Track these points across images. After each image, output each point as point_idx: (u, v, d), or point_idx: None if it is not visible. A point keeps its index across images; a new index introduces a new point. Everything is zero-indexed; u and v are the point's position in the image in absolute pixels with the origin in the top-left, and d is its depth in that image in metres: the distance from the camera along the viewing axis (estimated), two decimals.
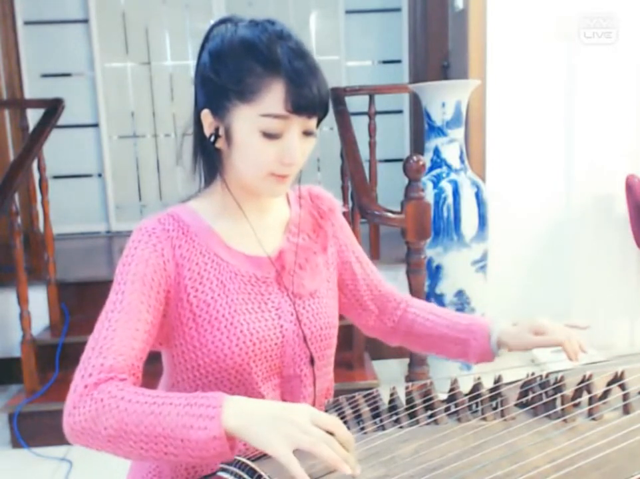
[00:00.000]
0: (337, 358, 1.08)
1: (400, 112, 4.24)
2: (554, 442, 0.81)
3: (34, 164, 2.86)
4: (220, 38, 0.91)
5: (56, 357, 2.63)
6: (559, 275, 3.14)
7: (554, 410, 0.88)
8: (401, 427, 0.86)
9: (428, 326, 1.12)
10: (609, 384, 0.93)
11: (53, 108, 2.94)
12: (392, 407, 0.91)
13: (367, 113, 3.12)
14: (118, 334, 0.84)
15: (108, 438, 0.77)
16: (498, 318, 1.09)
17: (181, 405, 0.75)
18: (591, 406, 0.88)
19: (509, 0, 3.00)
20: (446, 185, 2.70)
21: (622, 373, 0.93)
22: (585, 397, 0.90)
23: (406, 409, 0.90)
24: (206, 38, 0.94)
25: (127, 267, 0.89)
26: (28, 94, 4.04)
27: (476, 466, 0.74)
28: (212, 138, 0.93)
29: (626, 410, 0.90)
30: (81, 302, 2.89)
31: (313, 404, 1.00)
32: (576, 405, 0.89)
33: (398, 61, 4.20)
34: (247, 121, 0.88)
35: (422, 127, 2.94)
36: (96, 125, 4.19)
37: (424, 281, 2.24)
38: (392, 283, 1.19)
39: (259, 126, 0.88)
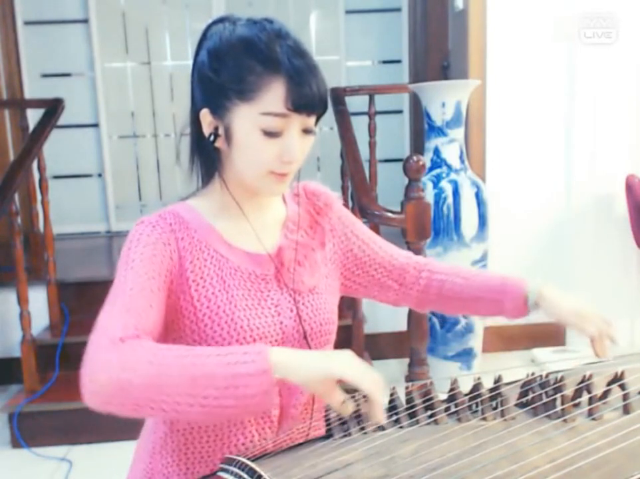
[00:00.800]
0: None
1: (400, 112, 4.24)
2: (554, 442, 0.81)
3: (34, 164, 2.86)
4: (218, 36, 0.91)
5: (56, 357, 2.63)
6: (559, 275, 3.13)
7: (554, 410, 0.88)
8: (401, 427, 0.86)
9: (458, 290, 1.12)
10: (609, 384, 0.93)
11: (53, 108, 2.94)
12: (392, 407, 0.91)
13: (367, 113, 3.12)
14: (133, 301, 0.82)
15: (143, 387, 0.71)
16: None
17: (224, 349, 0.76)
18: (591, 406, 0.89)
19: (509, 1, 3.00)
20: (446, 185, 2.70)
21: (622, 373, 0.93)
22: (585, 397, 0.90)
23: (406, 409, 0.90)
24: (203, 37, 0.94)
25: (133, 249, 0.88)
26: (28, 94, 4.03)
27: (476, 466, 0.74)
28: (211, 138, 0.93)
29: (626, 410, 0.90)
30: (81, 302, 2.89)
31: (312, 401, 1.00)
32: (576, 405, 0.89)
33: (398, 61, 4.20)
34: (247, 120, 0.89)
35: (422, 127, 2.94)
36: (96, 125, 4.18)
37: None
38: None
39: (259, 125, 0.88)
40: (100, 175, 4.25)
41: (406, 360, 2.34)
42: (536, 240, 3.16)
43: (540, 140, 3.09)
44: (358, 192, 2.43)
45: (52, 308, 2.87)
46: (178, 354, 0.74)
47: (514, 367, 2.83)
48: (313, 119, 0.91)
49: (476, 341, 2.84)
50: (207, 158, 0.98)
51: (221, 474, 0.74)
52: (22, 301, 2.53)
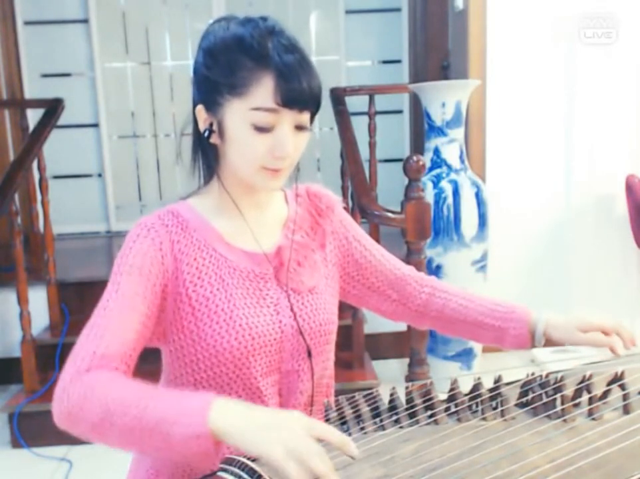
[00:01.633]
0: (337, 358, 1.08)
1: (400, 112, 4.24)
2: (554, 442, 0.81)
3: (34, 164, 2.86)
4: (213, 35, 0.93)
5: (56, 357, 2.63)
6: (559, 275, 3.14)
7: (554, 410, 0.88)
8: (401, 427, 0.86)
9: (461, 312, 1.11)
10: (609, 384, 0.93)
11: (53, 108, 2.94)
12: (392, 407, 0.91)
13: (367, 113, 3.12)
14: (112, 324, 0.85)
15: (93, 425, 0.76)
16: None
17: (169, 401, 0.75)
18: (591, 406, 0.89)
19: (509, 1, 3.00)
20: (446, 185, 2.70)
21: (622, 373, 0.93)
22: (585, 397, 0.90)
23: (406, 409, 0.90)
24: (202, 38, 0.96)
25: (125, 259, 0.90)
26: (28, 94, 4.04)
27: (476, 466, 0.74)
28: (206, 134, 0.94)
29: (626, 410, 0.90)
30: (81, 302, 2.89)
31: (311, 400, 1.00)
32: (576, 405, 0.89)
33: (398, 61, 4.20)
34: (238, 115, 0.89)
35: (422, 127, 2.94)
36: (96, 125, 4.18)
37: None
38: None
39: (250, 120, 0.89)
40: (100, 175, 4.26)
41: (406, 360, 2.34)
42: (536, 240, 3.15)
43: (540, 140, 3.09)
44: (358, 192, 2.43)
45: (52, 308, 2.87)
46: (128, 403, 0.75)
47: (514, 367, 2.83)
48: (305, 115, 0.91)
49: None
50: (207, 154, 0.98)
51: (221, 473, 0.74)
52: (22, 301, 2.53)
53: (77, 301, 2.91)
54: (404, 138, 4.25)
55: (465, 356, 2.83)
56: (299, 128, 0.92)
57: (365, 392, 0.95)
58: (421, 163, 2.12)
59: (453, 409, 0.90)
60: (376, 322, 2.97)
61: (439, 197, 2.68)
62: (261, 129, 0.89)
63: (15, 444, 2.47)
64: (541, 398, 0.91)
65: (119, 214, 4.27)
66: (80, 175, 4.25)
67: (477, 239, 2.72)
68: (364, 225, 3.04)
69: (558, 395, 0.89)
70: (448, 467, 0.74)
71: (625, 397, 0.91)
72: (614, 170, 3.06)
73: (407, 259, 2.17)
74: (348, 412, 0.90)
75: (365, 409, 0.90)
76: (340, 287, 1.11)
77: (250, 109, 0.88)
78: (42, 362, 2.62)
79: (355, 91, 3.18)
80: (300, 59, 0.89)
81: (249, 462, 0.73)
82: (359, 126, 3.04)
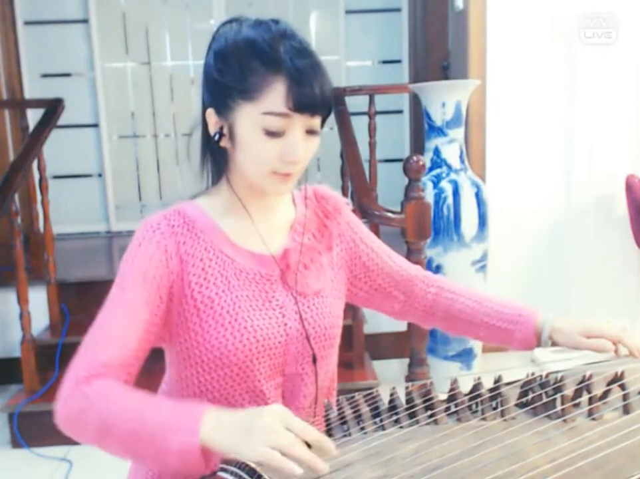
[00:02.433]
0: (338, 358, 1.08)
1: (400, 112, 4.24)
2: (554, 442, 0.81)
3: (34, 164, 2.86)
4: (224, 38, 0.92)
5: (56, 357, 2.63)
6: (559, 275, 3.14)
7: (554, 410, 0.88)
8: (401, 427, 0.86)
9: (468, 313, 1.11)
10: (609, 384, 0.93)
11: (53, 108, 2.94)
12: (392, 407, 0.91)
13: (367, 113, 3.12)
14: (114, 331, 0.85)
15: (92, 434, 0.79)
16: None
17: (163, 414, 0.76)
18: (591, 406, 0.88)
19: (509, 1, 3.00)
20: (446, 185, 2.70)
21: (622, 373, 0.93)
22: (585, 397, 0.90)
23: (406, 409, 0.90)
24: (212, 39, 0.95)
25: (130, 263, 0.90)
26: (28, 94, 4.04)
27: (476, 466, 0.74)
28: (216, 137, 0.93)
29: (626, 410, 0.90)
30: (81, 302, 2.89)
31: (315, 403, 1.00)
32: (576, 405, 0.89)
33: (398, 61, 4.20)
34: (249, 119, 0.89)
35: (422, 127, 2.94)
36: (96, 125, 4.18)
37: None
38: None
39: (261, 124, 0.88)
40: (100, 175, 4.25)
41: (406, 360, 2.34)
42: (536, 240, 3.15)
43: (540, 140, 3.09)
44: (358, 192, 2.43)
45: (52, 308, 2.87)
46: (125, 416, 0.77)
47: (514, 367, 2.82)
48: (317, 120, 0.91)
49: (476, 341, 2.84)
50: (216, 157, 0.98)
51: (221, 473, 0.74)
52: (22, 301, 2.53)
53: (77, 301, 2.91)
54: (404, 138, 4.25)
55: (465, 356, 2.83)
56: (310, 132, 0.91)
57: (365, 392, 0.95)
58: (421, 163, 2.12)
59: (453, 409, 0.90)
60: (376, 323, 2.97)
61: (439, 197, 2.68)
62: (272, 134, 0.88)
63: (15, 444, 2.47)
64: (541, 398, 0.91)
65: (119, 214, 4.26)
66: (80, 175, 4.25)
67: (477, 239, 2.72)
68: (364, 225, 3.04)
69: (558, 395, 0.89)
70: (448, 467, 0.74)
71: (625, 397, 0.90)
72: (614, 170, 3.06)
73: (407, 259, 2.17)
74: (348, 412, 0.90)
75: (365, 409, 0.90)
76: (349, 289, 1.10)
77: (261, 113, 0.87)
78: (42, 362, 2.61)
79: (355, 91, 3.18)
80: (312, 63, 0.89)
81: (249, 462, 0.73)
82: (359, 126, 3.04)
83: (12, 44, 3.91)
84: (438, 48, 3.59)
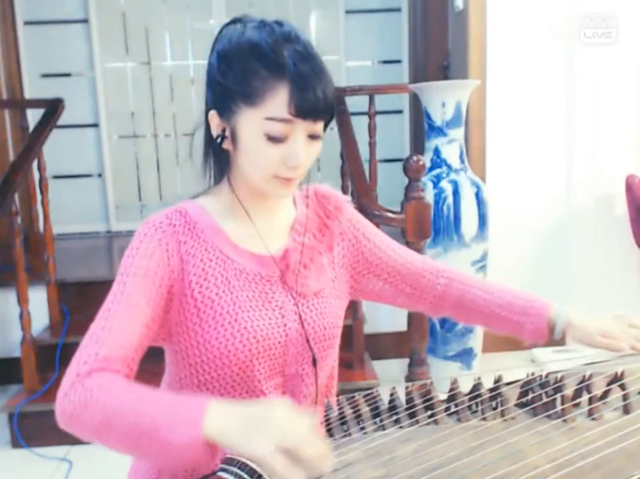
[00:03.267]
0: (338, 357, 1.08)
1: (400, 112, 4.24)
2: (554, 442, 0.81)
3: (34, 164, 2.86)
4: (228, 39, 0.91)
5: (56, 357, 2.63)
6: (559, 275, 3.14)
7: (554, 410, 0.88)
8: (401, 427, 0.86)
9: (480, 304, 1.11)
10: (609, 384, 0.93)
11: (53, 108, 2.93)
12: (392, 407, 0.91)
13: (367, 113, 3.12)
14: (115, 325, 0.84)
15: (94, 429, 0.77)
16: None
17: (165, 407, 0.75)
18: (591, 406, 0.89)
19: (509, 1, 3.00)
20: (446, 185, 2.70)
21: (622, 373, 0.93)
22: (585, 397, 0.90)
23: (406, 409, 0.90)
24: (216, 39, 0.95)
25: (131, 259, 0.90)
26: (28, 94, 4.03)
27: (476, 466, 0.74)
28: (219, 139, 0.93)
29: (626, 410, 0.90)
30: (81, 302, 2.89)
31: (315, 403, 1.00)
32: (576, 405, 0.90)
33: (398, 61, 4.20)
34: (251, 124, 0.89)
35: (422, 127, 2.94)
36: (96, 125, 4.18)
37: None
38: None
39: (263, 129, 0.88)
40: (100, 175, 4.25)
41: (406, 360, 2.34)
42: (536, 240, 3.15)
43: (540, 140, 3.09)
44: (358, 192, 2.43)
45: (52, 308, 2.87)
46: (127, 409, 0.75)
47: (514, 367, 2.82)
48: (319, 125, 0.91)
49: (475, 341, 2.84)
50: (218, 158, 0.98)
51: (221, 473, 0.74)
52: (22, 301, 2.53)
53: (77, 301, 2.91)
54: (404, 138, 4.25)
55: (465, 356, 2.83)
56: (313, 137, 0.91)
57: (365, 392, 0.95)
58: (421, 163, 2.12)
59: (453, 409, 0.90)
60: (376, 323, 2.97)
61: (439, 197, 2.68)
62: (274, 139, 0.88)
63: (15, 444, 2.47)
64: (541, 398, 0.91)
65: (119, 214, 4.26)
66: (80, 175, 4.25)
67: (477, 239, 2.72)
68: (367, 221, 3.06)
69: (558, 395, 0.89)
70: (448, 467, 0.74)
71: (625, 397, 0.91)
72: (614, 170, 3.06)
73: None
74: (348, 412, 0.90)
75: (365, 409, 0.91)
76: (353, 287, 1.10)
77: (264, 119, 0.87)
78: (42, 362, 2.61)
79: (355, 91, 3.18)
80: (315, 68, 0.88)
81: (249, 462, 0.73)
82: (359, 126, 3.04)
83: (12, 44, 3.91)
84: (438, 48, 3.59)
